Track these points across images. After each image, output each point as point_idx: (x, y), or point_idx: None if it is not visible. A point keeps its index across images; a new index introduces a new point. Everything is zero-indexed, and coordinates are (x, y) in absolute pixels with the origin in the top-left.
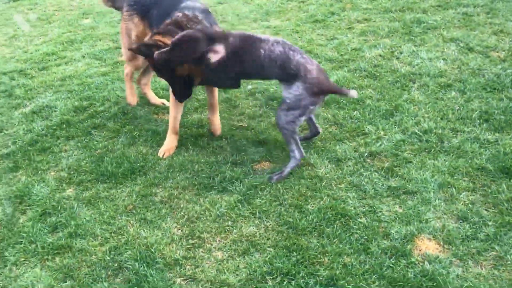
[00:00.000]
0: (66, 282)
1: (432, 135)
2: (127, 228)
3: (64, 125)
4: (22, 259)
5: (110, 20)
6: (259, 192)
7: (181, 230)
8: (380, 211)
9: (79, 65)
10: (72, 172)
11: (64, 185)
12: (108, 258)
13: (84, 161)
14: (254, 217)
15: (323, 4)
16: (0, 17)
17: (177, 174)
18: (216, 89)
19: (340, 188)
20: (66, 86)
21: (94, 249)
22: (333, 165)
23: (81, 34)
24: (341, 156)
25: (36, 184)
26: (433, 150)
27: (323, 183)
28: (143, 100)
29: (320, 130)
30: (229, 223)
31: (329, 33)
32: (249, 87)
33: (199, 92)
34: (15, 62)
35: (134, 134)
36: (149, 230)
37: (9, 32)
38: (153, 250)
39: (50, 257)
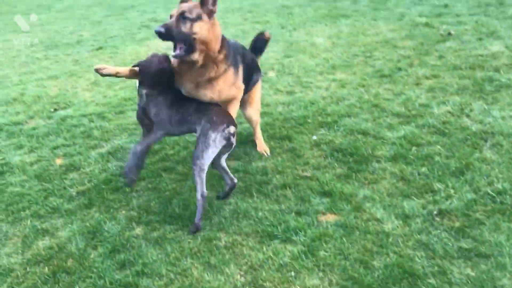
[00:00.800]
0: None
1: (507, 196)
2: (191, 270)
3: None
4: None
5: None
6: (324, 244)
7: (244, 277)
8: (451, 273)
9: None
10: (141, 212)
11: (133, 224)
12: None
13: (153, 201)
14: (318, 269)
15: (390, 59)
16: (84, 64)
17: (241, 221)
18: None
19: (408, 246)
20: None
21: None
22: (400, 222)
23: None
24: (409, 213)
25: (107, 222)
26: (508, 212)
27: (390, 239)
28: None
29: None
30: (292, 273)
31: (396, 88)
32: (314, 137)
33: (265, 141)
34: (95, 106)
35: None
36: (212, 274)
37: (91, 78)
38: None
39: None
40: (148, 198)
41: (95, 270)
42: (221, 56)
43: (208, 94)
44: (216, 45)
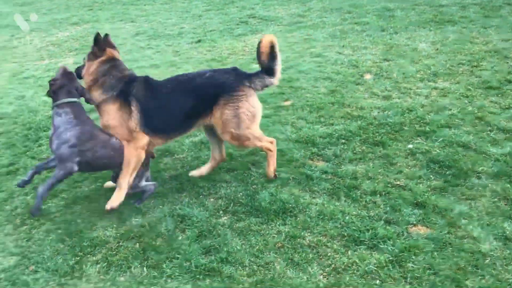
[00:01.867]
0: None
1: None
2: (274, 264)
3: (227, 157)
4: (177, 273)
5: None
6: (413, 257)
7: (327, 279)
8: None
9: None
10: (228, 202)
11: (220, 212)
12: None
13: (240, 193)
14: (405, 281)
15: (500, 71)
16: (183, 56)
17: (327, 222)
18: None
19: (507, 270)
20: None
21: (242, 279)
22: (500, 243)
23: None
24: (511, 235)
25: (196, 207)
26: None
27: (487, 261)
28: (299, 144)
29: None
30: (377, 282)
31: (504, 102)
32: (410, 146)
33: (356, 145)
34: None
35: (288, 175)
36: (295, 271)
37: (189, 69)
38: None
39: (201, 277)
40: (236, 189)
41: (182, 252)
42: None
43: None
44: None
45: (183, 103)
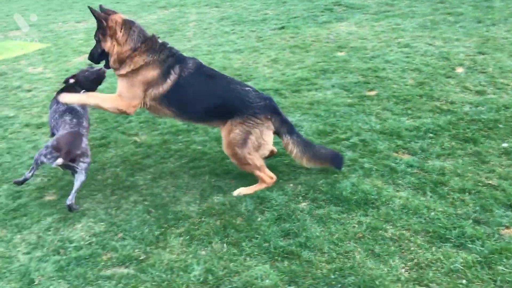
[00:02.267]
0: (290, 286)
1: None
2: (354, 254)
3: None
4: (256, 253)
5: (364, 56)
6: (504, 260)
7: (409, 273)
8: None
9: (328, 93)
10: (308, 188)
11: (300, 198)
12: (332, 276)
13: (320, 181)
14: (494, 284)
15: None
16: (266, 42)
17: (411, 216)
18: None
19: None
20: (314, 110)
21: (320, 264)
22: None
23: (334, 65)
24: None
25: (275, 191)
26: None
27: None
28: (384, 135)
29: None
30: (463, 281)
31: None
32: (505, 144)
33: (445, 140)
34: (273, 82)
35: (370, 166)
36: (375, 262)
37: (271, 55)
38: (377, 283)
39: (280, 258)
40: (316, 177)
41: (261, 232)
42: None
43: None
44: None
45: (209, 98)
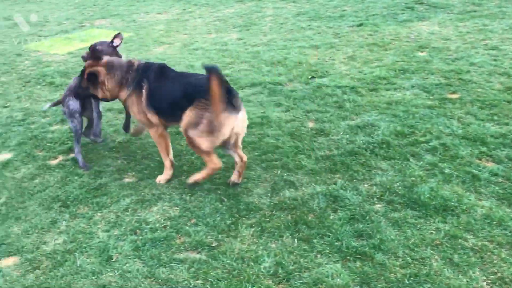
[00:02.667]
0: (362, 287)
1: None
2: (430, 261)
3: (384, 145)
4: (327, 251)
5: (446, 57)
6: None
7: (490, 286)
8: None
9: (407, 93)
10: (383, 190)
11: (374, 199)
12: (407, 282)
13: (397, 183)
14: None
15: None
16: (343, 39)
17: (494, 227)
18: None
19: None
20: (392, 110)
21: (394, 268)
22: None
23: (414, 65)
24: None
25: (349, 190)
26: None
27: None
28: (466, 141)
29: None
30: None
31: None
32: None
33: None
34: (349, 79)
35: (451, 172)
36: (453, 272)
37: (348, 52)
38: None
39: (352, 258)
40: (392, 179)
41: (333, 231)
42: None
43: None
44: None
45: (173, 94)
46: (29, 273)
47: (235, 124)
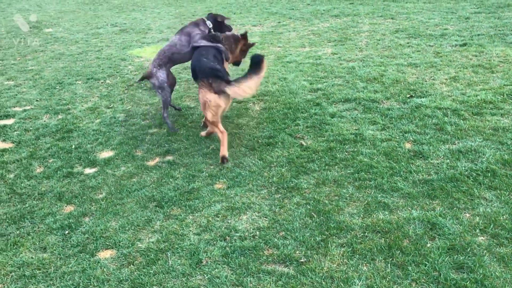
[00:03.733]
0: None
1: None
2: None
3: (489, 174)
4: (423, 280)
5: None
6: None
7: None
8: None
9: None
10: (487, 222)
11: (477, 230)
12: None
13: (503, 216)
14: None
15: None
16: (445, 58)
17: None
18: None
19: None
20: (498, 136)
21: None
22: None
23: None
24: None
25: (449, 218)
26: None
27: None
28: None
29: None
30: None
31: None
32: None
33: None
34: (451, 101)
35: None
36: None
37: (450, 73)
38: None
39: None
40: (497, 210)
41: (430, 260)
42: None
43: None
44: None
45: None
46: (124, 267)
47: None
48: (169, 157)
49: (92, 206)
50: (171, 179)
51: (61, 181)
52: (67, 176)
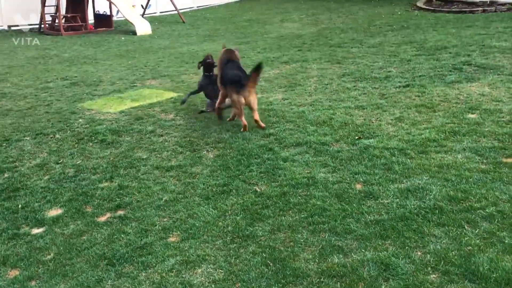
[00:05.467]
0: None
1: None
2: None
3: (437, 211)
4: None
5: (499, 119)
6: None
7: None
8: None
9: (459, 157)
10: (438, 259)
11: (429, 268)
12: None
13: (452, 252)
14: None
15: None
16: (390, 99)
17: None
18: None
19: None
20: (443, 173)
21: None
22: None
23: (465, 127)
24: None
25: (401, 258)
26: None
27: None
28: None
29: None
30: None
31: None
32: None
33: None
34: (397, 141)
35: (511, 242)
36: None
37: (395, 113)
38: None
39: None
40: (447, 247)
41: None
42: None
43: None
44: None
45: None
46: None
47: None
48: (121, 212)
49: (39, 268)
50: (122, 235)
51: (5, 244)
52: (13, 238)
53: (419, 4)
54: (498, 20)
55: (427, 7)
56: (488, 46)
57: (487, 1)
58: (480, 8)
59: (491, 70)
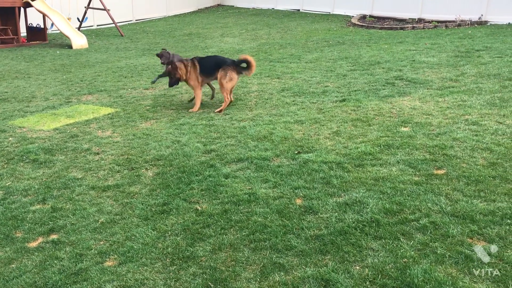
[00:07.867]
0: None
1: None
2: None
3: (374, 224)
4: None
5: (429, 132)
6: None
7: None
8: None
9: (393, 169)
10: (376, 273)
11: (367, 282)
12: None
13: (389, 265)
14: None
15: None
16: (327, 114)
17: None
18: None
19: None
20: (379, 186)
21: None
22: None
23: (398, 140)
24: None
25: (341, 273)
26: None
27: None
28: (456, 218)
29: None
30: None
31: None
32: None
33: None
34: (335, 155)
35: (443, 252)
36: None
37: (333, 128)
38: None
39: None
40: (384, 260)
41: None
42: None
43: None
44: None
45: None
46: None
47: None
48: (54, 236)
49: None
50: (55, 261)
51: None
52: None
53: (354, 20)
54: (426, 37)
55: (361, 24)
56: (417, 61)
57: (415, 19)
58: (410, 25)
59: (421, 85)
